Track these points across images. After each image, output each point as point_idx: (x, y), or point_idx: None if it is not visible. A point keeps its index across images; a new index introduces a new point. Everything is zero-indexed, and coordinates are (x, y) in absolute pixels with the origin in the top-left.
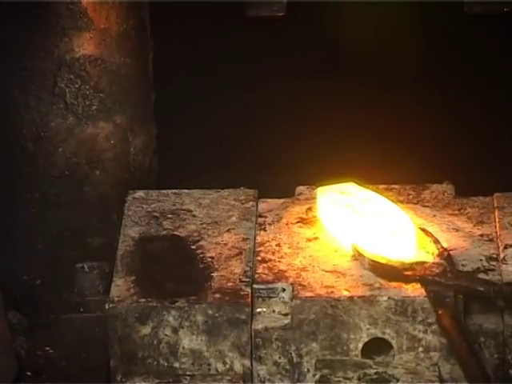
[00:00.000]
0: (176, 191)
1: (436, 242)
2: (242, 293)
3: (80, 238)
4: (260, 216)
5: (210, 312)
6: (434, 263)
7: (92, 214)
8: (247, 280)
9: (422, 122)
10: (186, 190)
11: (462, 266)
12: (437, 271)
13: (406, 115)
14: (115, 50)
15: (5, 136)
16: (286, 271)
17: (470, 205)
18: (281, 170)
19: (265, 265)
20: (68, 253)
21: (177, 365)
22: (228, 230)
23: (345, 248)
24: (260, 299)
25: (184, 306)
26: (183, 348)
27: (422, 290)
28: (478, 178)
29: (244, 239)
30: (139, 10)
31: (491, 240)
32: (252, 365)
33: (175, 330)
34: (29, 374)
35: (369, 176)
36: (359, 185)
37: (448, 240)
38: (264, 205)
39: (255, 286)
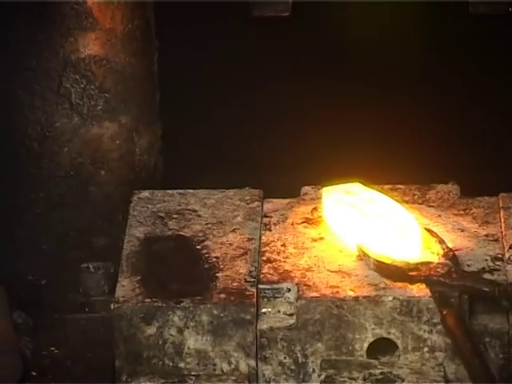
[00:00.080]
0: (181, 191)
1: (441, 242)
2: (247, 293)
3: (85, 238)
4: (265, 216)
5: (215, 312)
6: (439, 263)
7: (97, 214)
8: (252, 280)
9: (428, 122)
10: (191, 190)
11: (467, 266)
12: (442, 271)
13: (412, 115)
14: (120, 50)
15: (10, 136)
16: (291, 271)
17: (476, 205)
18: (286, 170)
19: (270, 265)
20: (73, 253)
21: (182, 365)
22: (233, 230)
23: (350, 248)
24: (265, 299)
25: (189, 306)
26: (188, 348)
27: (427, 291)
28: (483, 178)
29: (249, 239)
30: (144, 10)
31: (496, 240)
32: (257, 365)
33: (180, 330)
34: (34, 374)
35: (374, 176)
36: (364, 185)
37: (453, 240)
38: (269, 205)
39: (260, 286)
